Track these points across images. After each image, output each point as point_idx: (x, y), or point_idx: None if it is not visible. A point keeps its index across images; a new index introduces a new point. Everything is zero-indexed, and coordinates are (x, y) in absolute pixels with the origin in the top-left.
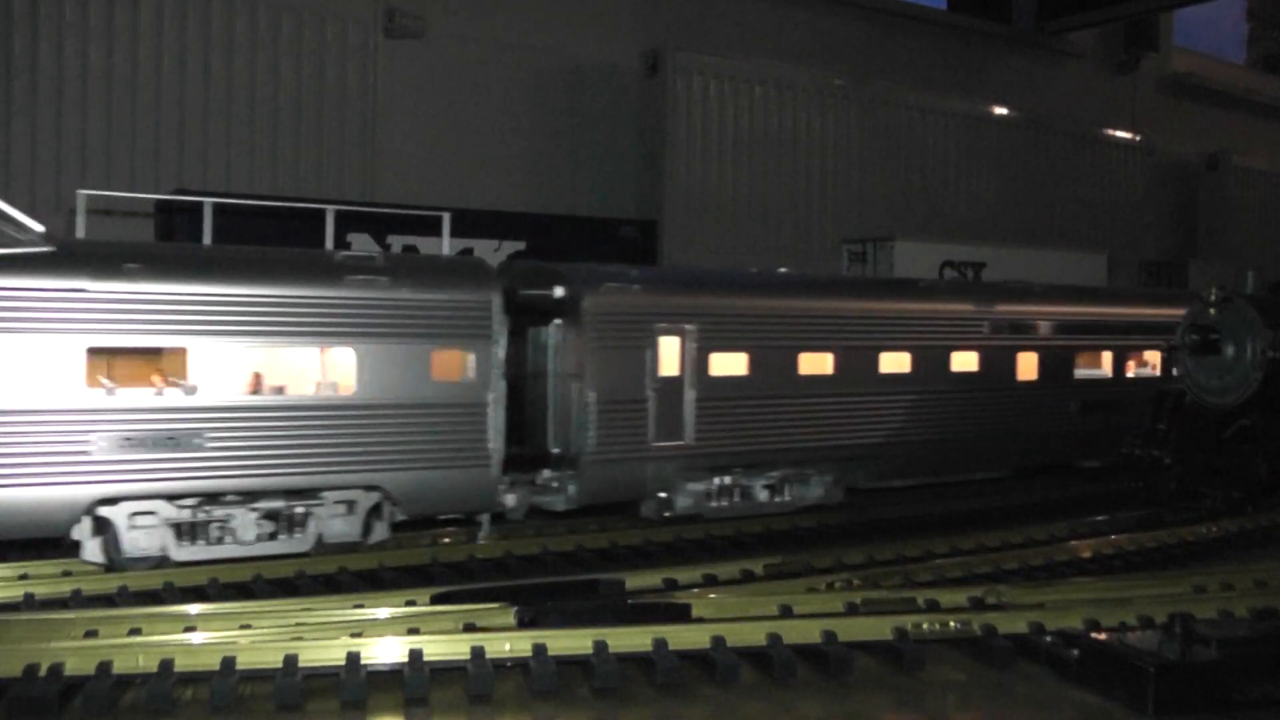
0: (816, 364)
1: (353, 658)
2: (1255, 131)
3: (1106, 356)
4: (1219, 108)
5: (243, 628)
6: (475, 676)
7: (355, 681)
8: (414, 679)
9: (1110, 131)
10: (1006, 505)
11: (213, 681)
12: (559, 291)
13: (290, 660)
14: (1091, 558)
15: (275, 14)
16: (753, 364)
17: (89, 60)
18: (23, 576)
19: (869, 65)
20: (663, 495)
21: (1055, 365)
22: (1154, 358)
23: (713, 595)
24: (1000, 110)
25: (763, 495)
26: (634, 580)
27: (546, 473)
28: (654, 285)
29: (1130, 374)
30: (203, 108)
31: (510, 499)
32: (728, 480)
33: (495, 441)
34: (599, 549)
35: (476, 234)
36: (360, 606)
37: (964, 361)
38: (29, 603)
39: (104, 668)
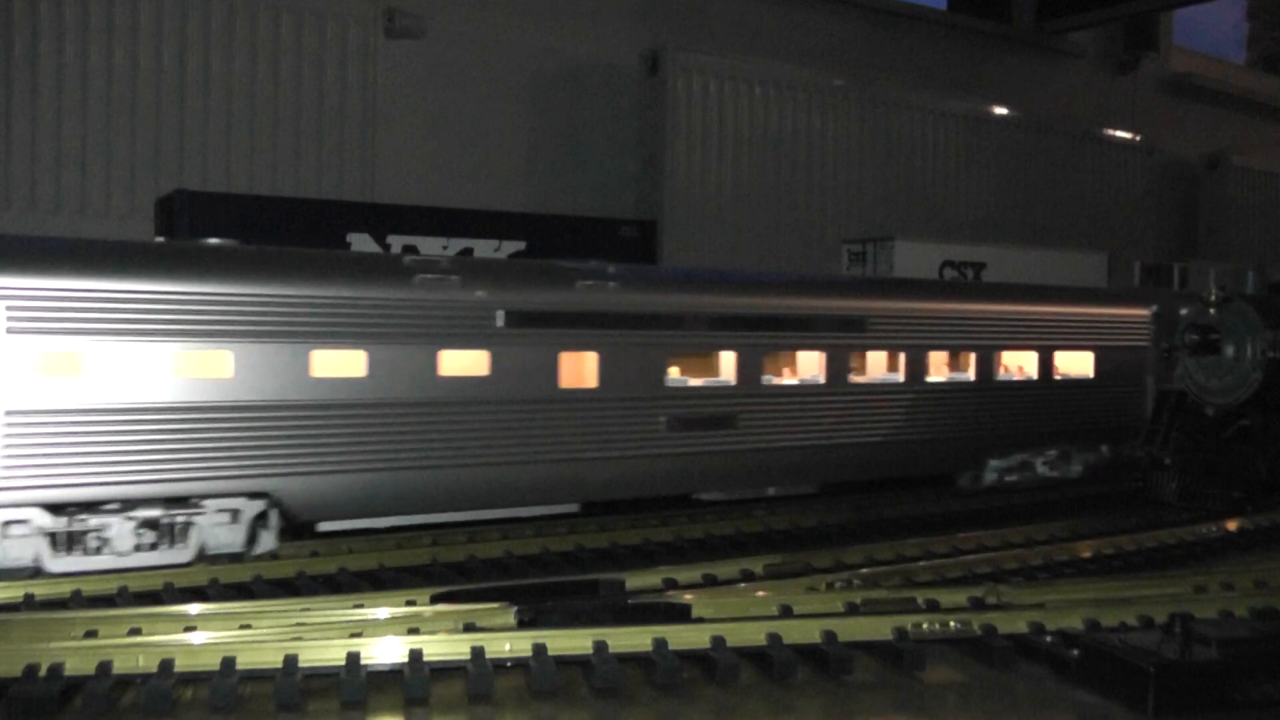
0: (196, 365)
1: (353, 658)
2: (1255, 131)
3: (726, 358)
4: (1219, 108)
5: (243, 628)
6: (475, 676)
7: (355, 681)
8: (414, 679)
9: (1110, 131)
10: (1007, 505)
11: (213, 681)
12: None
13: (290, 660)
14: (1091, 558)
15: (275, 14)
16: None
17: (89, 60)
18: None
19: (869, 65)
20: None
21: (629, 370)
22: (819, 360)
23: (713, 595)
24: (1000, 110)
25: (127, 543)
26: (634, 580)
27: None
28: None
29: (777, 381)
30: (203, 108)
31: None
32: (62, 524)
33: None
34: (599, 549)
35: (476, 234)
36: (360, 606)
37: (463, 364)
38: (29, 603)
39: (104, 668)
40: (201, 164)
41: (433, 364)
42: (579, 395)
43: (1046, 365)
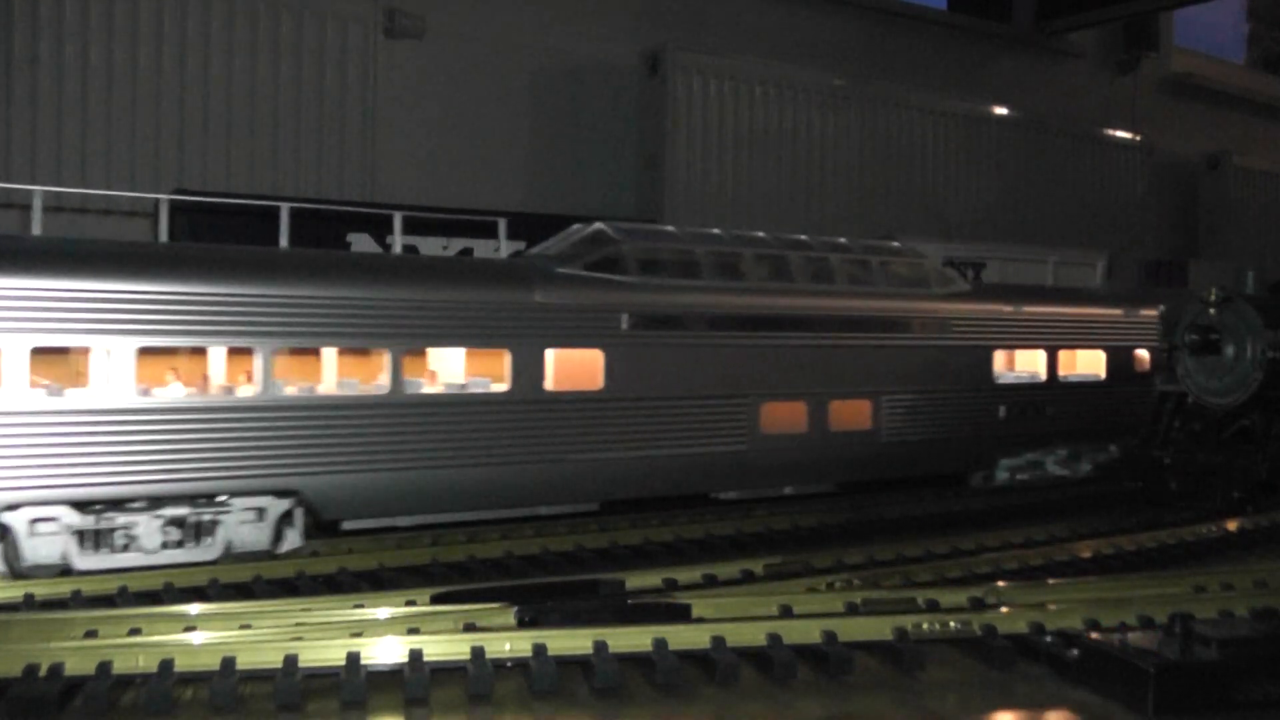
0: None
1: (353, 658)
2: (1255, 131)
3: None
4: (1219, 108)
5: (243, 628)
6: (475, 676)
7: (355, 681)
8: (414, 679)
9: (1110, 131)
10: (1006, 505)
11: (213, 681)
12: None
13: (290, 660)
14: (1091, 558)
15: (275, 14)
16: None
17: (89, 60)
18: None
19: (869, 65)
20: None
21: None
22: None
23: (713, 595)
24: (1000, 110)
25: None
26: (634, 580)
27: None
28: None
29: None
30: (203, 108)
31: None
32: None
33: None
34: (599, 549)
35: (476, 234)
36: (360, 606)
37: None
38: (29, 603)
39: (104, 668)
40: (201, 164)
41: None
42: None
43: None
